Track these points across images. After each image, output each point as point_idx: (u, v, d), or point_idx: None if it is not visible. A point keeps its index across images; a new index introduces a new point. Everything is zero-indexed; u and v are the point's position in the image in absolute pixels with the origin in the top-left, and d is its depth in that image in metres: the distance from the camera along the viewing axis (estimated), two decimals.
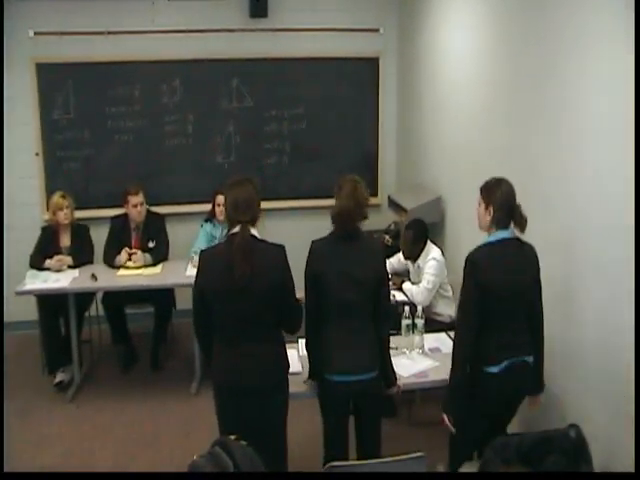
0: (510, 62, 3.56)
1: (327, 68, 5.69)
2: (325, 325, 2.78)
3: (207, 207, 4.98)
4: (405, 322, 3.39)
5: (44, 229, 4.82)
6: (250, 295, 2.62)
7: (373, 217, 3.11)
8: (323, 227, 2.99)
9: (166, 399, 4.41)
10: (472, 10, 4.09)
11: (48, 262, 4.60)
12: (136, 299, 4.82)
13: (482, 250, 2.72)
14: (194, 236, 4.97)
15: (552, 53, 3.07)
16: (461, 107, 4.29)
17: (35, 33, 5.26)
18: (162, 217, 5.00)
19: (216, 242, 4.72)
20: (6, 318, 5.24)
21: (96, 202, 5.46)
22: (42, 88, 5.35)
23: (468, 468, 2.71)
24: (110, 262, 4.72)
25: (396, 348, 3.24)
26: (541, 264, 2.79)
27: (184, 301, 4.85)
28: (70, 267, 4.65)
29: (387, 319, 2.88)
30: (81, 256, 4.73)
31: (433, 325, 3.81)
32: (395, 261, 4.50)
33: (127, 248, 4.75)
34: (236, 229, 2.64)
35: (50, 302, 4.56)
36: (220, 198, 4.60)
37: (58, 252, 4.71)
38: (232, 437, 2.02)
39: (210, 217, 4.94)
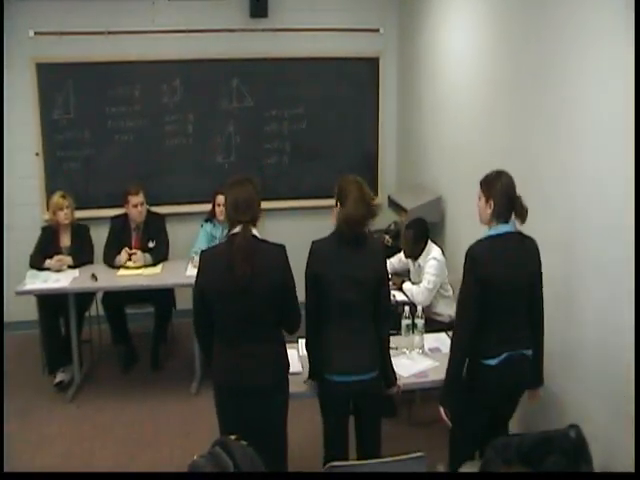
0: (510, 62, 3.56)
1: (327, 68, 5.69)
2: (325, 325, 2.78)
3: (207, 207, 4.98)
4: (405, 322, 3.39)
5: (44, 229, 4.82)
6: (251, 295, 2.62)
7: None
8: (323, 227, 2.99)
9: (166, 399, 4.41)
10: (472, 10, 4.09)
11: (48, 262, 4.60)
12: (136, 299, 4.82)
13: (483, 244, 2.72)
14: (194, 236, 4.97)
15: (552, 52, 3.07)
16: (461, 107, 4.29)
17: (35, 33, 5.26)
18: (162, 217, 5.00)
19: (216, 242, 4.72)
20: (6, 318, 5.24)
21: (96, 202, 5.46)
22: (42, 88, 5.35)
23: (469, 468, 2.71)
24: (110, 262, 4.72)
25: (396, 348, 3.24)
26: (542, 269, 2.79)
27: (184, 301, 4.86)
28: (70, 267, 4.66)
29: (387, 319, 2.88)
30: (81, 256, 4.73)
31: (433, 325, 3.81)
32: (396, 261, 4.50)
33: (127, 248, 4.75)
34: (237, 229, 2.64)
35: (50, 302, 4.56)
36: (220, 198, 4.61)
37: (58, 252, 4.71)
38: (232, 437, 2.02)
39: (210, 217, 4.95)
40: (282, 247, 2.72)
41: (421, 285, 4.08)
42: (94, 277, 4.46)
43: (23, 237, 5.00)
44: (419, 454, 2.41)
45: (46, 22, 5.25)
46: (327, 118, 5.77)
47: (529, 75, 3.32)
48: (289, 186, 5.82)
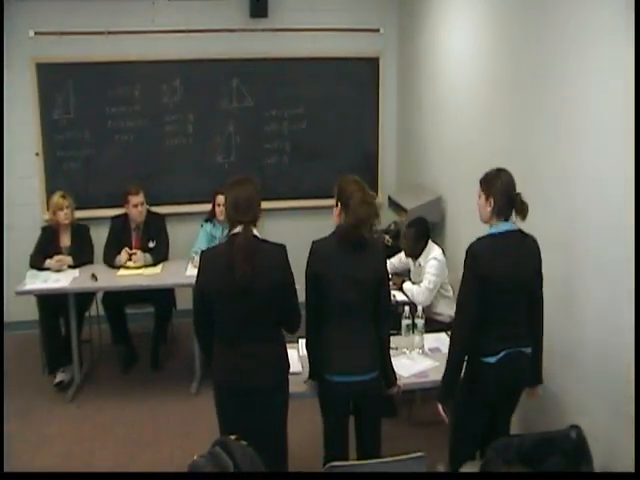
0: (510, 62, 3.56)
1: (327, 68, 5.69)
2: (325, 325, 2.78)
3: (207, 207, 4.99)
4: (405, 322, 3.39)
5: (44, 229, 4.82)
6: (251, 295, 2.62)
7: None
8: (323, 227, 2.99)
9: (166, 399, 4.41)
10: (472, 10, 4.09)
11: (48, 262, 4.60)
12: (136, 299, 4.82)
13: (483, 241, 2.72)
14: (194, 236, 4.97)
15: (552, 52, 3.07)
16: (461, 107, 4.29)
17: (35, 33, 5.26)
18: (162, 217, 5.00)
19: (216, 242, 4.73)
20: (6, 318, 5.24)
21: (96, 202, 5.46)
22: (42, 88, 5.35)
23: (470, 468, 2.71)
24: (110, 262, 4.72)
25: (396, 348, 3.24)
26: (542, 267, 2.79)
27: (184, 301, 4.86)
28: (70, 267, 4.66)
29: (387, 319, 2.88)
30: (81, 256, 4.73)
31: (433, 325, 3.81)
32: (396, 261, 4.51)
33: (127, 248, 4.75)
34: (237, 229, 2.64)
35: (50, 302, 4.56)
36: (220, 198, 4.61)
37: (58, 252, 4.71)
38: (232, 437, 2.02)
39: (210, 217, 4.95)
40: (282, 247, 2.72)
41: (422, 285, 4.08)
42: (94, 277, 4.46)
43: (23, 237, 5.00)
44: (419, 454, 2.41)
45: (46, 22, 5.25)
46: (327, 118, 5.77)
47: (529, 75, 3.32)
48: (289, 186, 5.82)
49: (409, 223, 4.31)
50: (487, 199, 2.73)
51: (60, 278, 4.48)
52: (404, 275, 4.44)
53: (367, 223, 2.72)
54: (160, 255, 4.81)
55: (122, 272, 4.63)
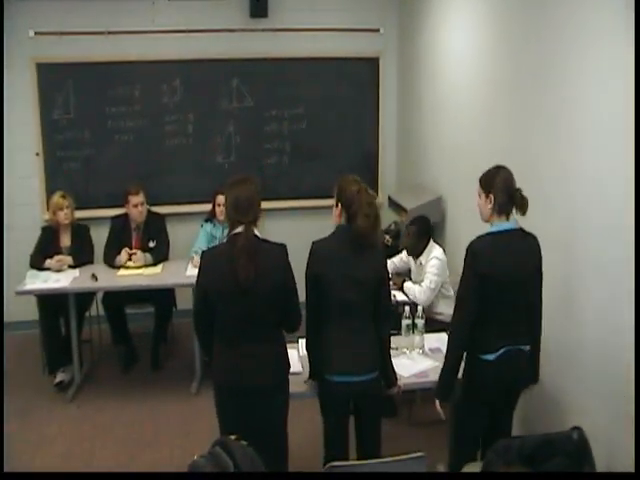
0: (510, 62, 3.56)
1: (327, 68, 5.69)
2: (325, 325, 2.78)
3: (207, 207, 4.98)
4: (405, 322, 3.39)
5: (44, 229, 4.82)
6: (253, 296, 2.62)
7: None
8: (323, 227, 2.99)
9: (166, 399, 4.41)
10: (472, 10, 4.09)
11: (48, 262, 4.60)
12: (136, 299, 4.82)
13: (484, 239, 2.72)
14: (194, 236, 4.97)
15: (552, 52, 3.07)
16: (461, 107, 4.29)
17: (35, 33, 5.26)
18: (162, 217, 5.00)
19: (216, 242, 4.73)
20: (6, 318, 5.24)
21: (96, 202, 5.46)
22: (42, 88, 5.35)
23: (470, 469, 2.71)
24: (110, 262, 4.72)
25: (396, 348, 3.24)
26: (542, 266, 2.79)
27: (184, 301, 4.87)
28: (70, 267, 4.66)
29: (388, 319, 2.87)
30: (81, 256, 4.73)
31: (434, 325, 3.81)
32: (397, 260, 4.51)
33: (127, 248, 4.75)
34: (239, 229, 2.64)
35: (50, 302, 4.56)
36: (220, 198, 4.61)
37: (58, 252, 4.71)
38: (232, 437, 2.02)
39: (210, 217, 4.95)
40: (283, 246, 2.72)
41: (423, 284, 4.08)
42: (94, 277, 4.46)
43: (23, 237, 5.01)
44: (419, 454, 2.41)
45: (46, 22, 5.25)
46: (327, 118, 5.77)
47: (529, 75, 3.32)
48: (289, 186, 5.82)
49: (411, 221, 4.33)
50: (487, 197, 2.74)
51: (60, 278, 4.48)
52: (405, 275, 4.45)
53: (374, 228, 2.72)
54: (160, 255, 4.81)
55: (122, 272, 4.63)
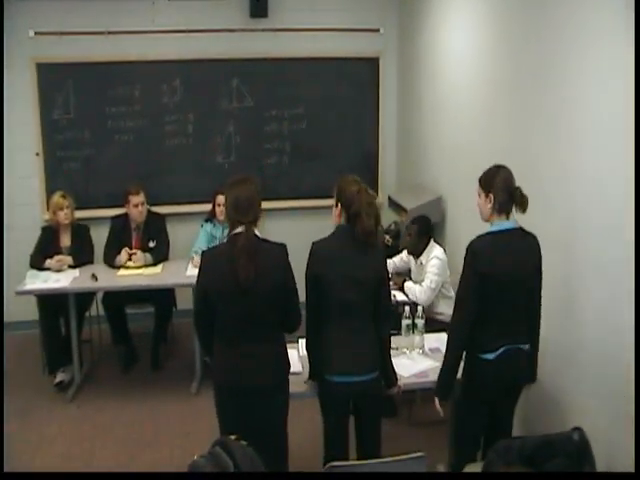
0: (510, 62, 3.56)
1: (327, 68, 5.69)
2: (325, 325, 2.78)
3: (207, 207, 4.98)
4: (405, 322, 3.39)
5: (44, 229, 4.82)
6: (253, 296, 2.62)
7: None
8: (323, 227, 2.99)
9: (166, 399, 4.41)
10: (472, 10, 4.09)
11: (48, 262, 4.60)
12: (136, 299, 4.82)
13: (484, 239, 2.73)
14: (194, 236, 4.97)
15: (552, 52, 3.07)
16: (461, 107, 4.29)
17: (35, 33, 5.26)
18: (162, 217, 5.00)
19: (216, 242, 4.73)
20: (6, 318, 5.24)
21: (96, 202, 5.46)
22: (42, 88, 5.35)
23: (471, 470, 2.71)
24: (110, 262, 4.72)
25: (396, 348, 3.24)
26: (542, 265, 2.79)
27: (184, 301, 4.88)
28: (70, 267, 4.66)
29: (388, 319, 2.87)
30: (81, 256, 4.73)
31: (434, 325, 3.81)
32: (397, 260, 4.52)
33: (127, 248, 4.75)
34: (239, 229, 2.64)
35: (50, 302, 4.56)
36: (220, 198, 4.61)
37: (58, 252, 4.71)
38: (232, 437, 2.02)
39: (210, 217, 4.95)
40: (283, 246, 2.72)
41: (423, 284, 4.08)
42: (94, 277, 4.46)
43: (23, 237, 5.00)
44: (419, 454, 2.41)
45: (46, 22, 5.25)
46: (327, 118, 5.77)
47: (529, 75, 3.32)
48: (289, 186, 5.82)
49: (412, 220, 4.33)
50: (487, 196, 2.74)
51: (60, 278, 4.48)
52: (405, 275, 4.45)
53: (376, 227, 2.73)
54: (160, 255, 4.81)
55: (122, 272, 4.63)
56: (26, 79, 5.30)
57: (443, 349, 3.29)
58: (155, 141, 5.58)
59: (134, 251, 4.74)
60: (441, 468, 3.34)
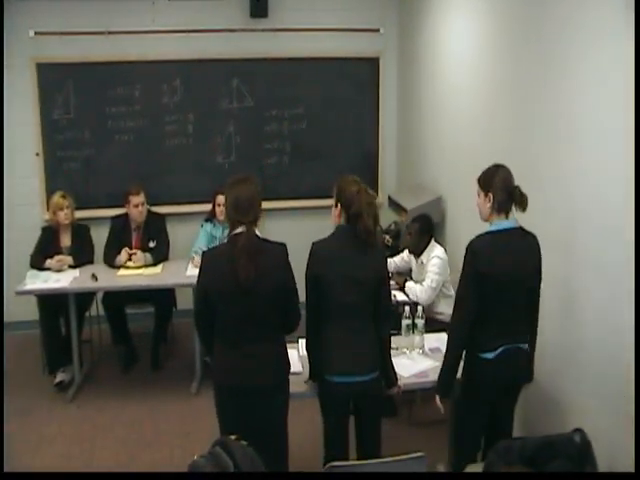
0: (510, 62, 3.56)
1: (327, 68, 5.69)
2: (325, 325, 2.78)
3: (207, 207, 4.98)
4: (405, 322, 3.39)
5: (44, 229, 4.82)
6: (254, 296, 2.62)
7: None
8: (323, 227, 3.00)
9: (166, 399, 4.41)
10: (472, 9, 4.08)
11: (48, 262, 4.60)
12: (136, 299, 4.82)
13: (484, 238, 2.73)
14: (194, 236, 4.97)
15: (552, 52, 3.07)
16: (461, 107, 4.29)
17: (35, 33, 5.25)
18: (163, 217, 5.00)
19: (216, 242, 4.73)
20: (6, 318, 5.24)
21: (96, 202, 5.46)
22: (42, 88, 5.35)
23: (471, 470, 2.71)
24: (110, 262, 4.72)
25: (396, 348, 3.24)
26: (542, 264, 2.79)
27: (184, 301, 4.88)
28: (70, 267, 4.66)
29: (388, 319, 2.87)
30: (81, 256, 4.73)
31: (434, 325, 3.81)
32: (398, 260, 4.52)
33: (127, 248, 4.75)
34: (239, 229, 2.63)
35: (50, 302, 4.56)
36: (220, 198, 4.61)
37: (58, 252, 4.71)
38: (232, 437, 2.02)
39: (210, 217, 4.95)
40: (283, 246, 2.72)
41: (424, 283, 4.08)
42: (94, 277, 4.46)
43: (23, 237, 5.00)
44: (419, 454, 2.41)
45: (46, 22, 5.25)
46: (327, 118, 5.77)
47: (529, 75, 3.32)
48: (289, 186, 5.82)
49: (414, 218, 4.34)
50: (486, 195, 2.75)
51: (60, 278, 4.48)
52: (406, 274, 4.45)
53: (375, 226, 2.73)
54: (160, 255, 4.81)
55: (122, 272, 4.63)
56: (26, 79, 5.30)
57: (443, 349, 3.29)
58: (155, 141, 5.58)
59: (134, 251, 4.74)
60: (441, 468, 3.34)
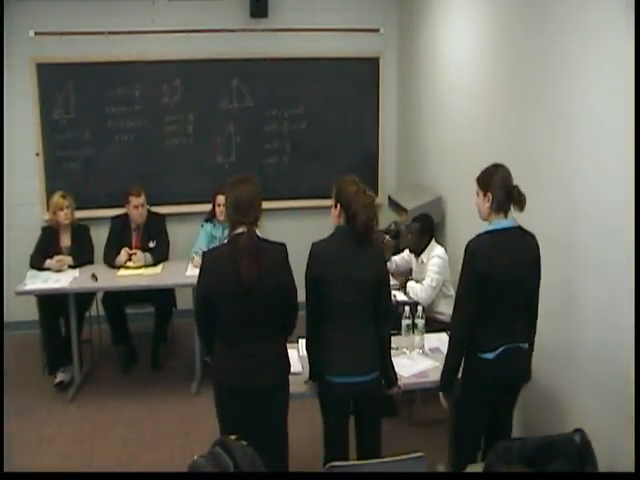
0: (510, 61, 3.56)
1: (327, 68, 5.69)
2: (325, 326, 2.78)
3: (207, 207, 4.98)
4: (405, 322, 3.39)
5: (44, 229, 4.82)
6: (256, 296, 2.62)
7: None
8: (323, 227, 2.99)
9: (166, 399, 4.41)
10: (472, 9, 4.09)
11: (48, 262, 4.60)
12: (136, 299, 4.82)
13: (482, 238, 2.73)
14: (194, 236, 4.97)
15: (552, 52, 3.07)
16: (461, 107, 4.29)
17: (35, 33, 5.25)
18: (163, 217, 5.00)
19: (216, 242, 4.73)
20: (6, 318, 5.24)
21: (96, 202, 5.46)
22: (42, 88, 5.35)
23: (471, 471, 2.71)
24: (110, 262, 4.72)
25: (396, 348, 3.24)
26: (541, 264, 2.79)
27: (184, 301, 4.88)
28: (70, 267, 4.66)
29: (388, 319, 2.87)
30: (81, 256, 4.73)
31: (434, 325, 3.81)
32: (399, 259, 4.53)
33: (127, 248, 4.75)
34: (240, 229, 2.63)
35: (50, 302, 4.56)
36: (220, 198, 4.61)
37: (58, 252, 4.71)
38: (232, 437, 2.03)
39: (210, 217, 4.95)
40: (283, 246, 2.72)
41: (424, 283, 4.09)
42: (94, 277, 4.46)
43: (23, 237, 5.00)
44: (419, 454, 2.41)
45: (46, 22, 5.25)
46: (327, 118, 5.77)
47: (529, 74, 3.32)
48: (289, 186, 5.82)
49: (414, 218, 4.35)
50: (485, 195, 2.75)
51: (60, 278, 4.48)
52: (406, 274, 4.45)
53: (373, 224, 2.73)
54: (160, 255, 4.81)
55: (122, 272, 4.63)
56: (26, 79, 5.30)
57: (443, 349, 3.29)
58: (155, 141, 5.58)
59: (134, 251, 4.74)
60: (441, 468, 3.34)
